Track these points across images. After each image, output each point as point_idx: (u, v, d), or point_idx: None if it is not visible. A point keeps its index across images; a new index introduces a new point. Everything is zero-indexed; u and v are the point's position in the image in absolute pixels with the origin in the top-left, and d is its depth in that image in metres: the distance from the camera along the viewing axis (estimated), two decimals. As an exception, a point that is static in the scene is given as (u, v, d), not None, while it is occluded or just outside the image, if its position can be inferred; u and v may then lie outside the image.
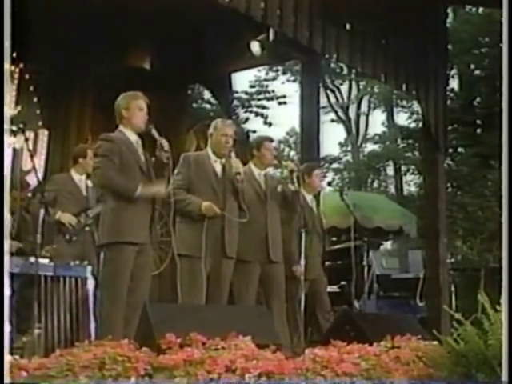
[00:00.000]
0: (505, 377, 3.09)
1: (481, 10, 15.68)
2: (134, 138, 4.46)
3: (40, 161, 7.27)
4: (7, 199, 3.12)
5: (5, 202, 3.10)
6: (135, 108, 4.43)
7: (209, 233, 4.64)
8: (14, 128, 4.92)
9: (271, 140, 5.48)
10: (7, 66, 3.24)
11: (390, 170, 21.82)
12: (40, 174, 6.44)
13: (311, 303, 5.59)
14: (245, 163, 5.15)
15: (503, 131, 3.33)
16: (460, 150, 16.21)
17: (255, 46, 7.50)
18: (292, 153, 24.71)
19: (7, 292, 2.90)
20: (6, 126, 3.66)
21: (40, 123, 7.49)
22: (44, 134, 7.52)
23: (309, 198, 5.82)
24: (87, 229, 5.75)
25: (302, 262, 4.95)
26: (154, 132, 4.41)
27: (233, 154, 4.85)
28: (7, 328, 2.91)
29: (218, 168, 4.88)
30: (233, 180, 4.81)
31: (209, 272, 4.66)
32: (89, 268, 4.55)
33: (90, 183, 5.97)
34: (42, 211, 4.15)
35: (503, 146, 3.31)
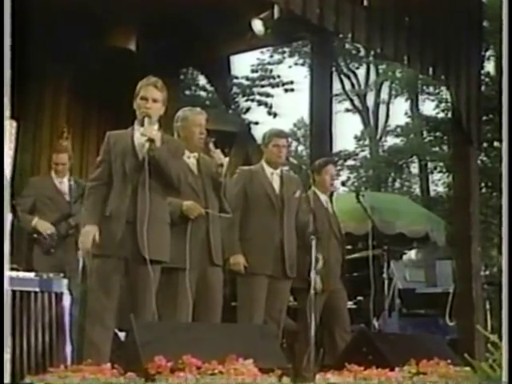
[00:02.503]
0: (505, 377, 3.15)
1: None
2: (138, 135, 4.34)
3: (7, 157, 7.28)
4: (7, 207, 3.14)
5: (5, 208, 3.13)
6: (140, 98, 4.37)
7: (192, 238, 4.61)
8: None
9: (281, 135, 5.49)
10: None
11: (415, 168, 21.88)
12: (8, 172, 6.45)
13: (329, 321, 5.62)
14: (245, 160, 5.16)
15: (503, 131, 3.39)
16: (496, 144, 16.21)
17: (258, 25, 7.51)
18: (300, 147, 24.80)
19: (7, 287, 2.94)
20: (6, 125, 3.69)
21: (7, 113, 7.49)
22: (12, 126, 7.51)
23: (323, 198, 5.85)
24: (66, 240, 5.79)
25: (313, 273, 4.97)
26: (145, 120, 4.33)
27: (211, 145, 4.81)
28: (7, 329, 2.94)
29: (193, 163, 4.84)
30: (213, 175, 4.78)
31: (195, 284, 4.62)
32: (65, 281, 4.55)
33: (74, 186, 5.98)
34: (10, 216, 4.16)
35: (503, 145, 3.36)
